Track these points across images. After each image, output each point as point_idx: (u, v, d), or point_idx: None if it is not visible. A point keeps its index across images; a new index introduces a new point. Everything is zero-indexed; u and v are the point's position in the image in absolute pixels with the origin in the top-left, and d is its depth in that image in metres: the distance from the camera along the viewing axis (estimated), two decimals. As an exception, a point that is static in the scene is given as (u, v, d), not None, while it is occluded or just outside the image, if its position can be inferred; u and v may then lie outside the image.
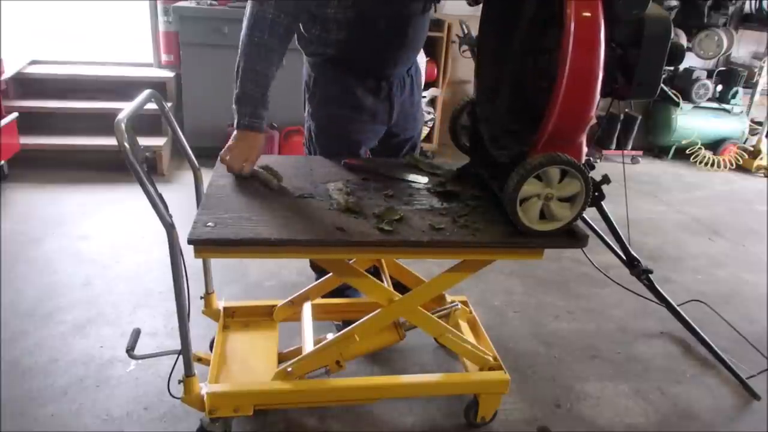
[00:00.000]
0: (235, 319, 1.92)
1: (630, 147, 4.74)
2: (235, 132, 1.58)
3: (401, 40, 1.76)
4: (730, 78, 4.84)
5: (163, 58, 4.02)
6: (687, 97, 4.70)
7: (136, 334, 1.51)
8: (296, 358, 1.64)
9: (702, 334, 2.18)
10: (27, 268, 2.48)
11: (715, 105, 4.84)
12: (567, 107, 1.26)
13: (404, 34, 1.76)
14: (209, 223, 1.31)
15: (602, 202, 1.49)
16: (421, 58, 3.72)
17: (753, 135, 5.02)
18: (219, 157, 1.58)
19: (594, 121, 1.33)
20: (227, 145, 1.58)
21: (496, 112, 1.63)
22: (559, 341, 2.28)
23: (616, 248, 2.19)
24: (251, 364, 1.77)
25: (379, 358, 2.05)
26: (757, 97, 4.95)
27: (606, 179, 1.42)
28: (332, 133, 1.87)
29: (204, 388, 1.55)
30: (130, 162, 1.20)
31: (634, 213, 3.46)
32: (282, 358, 1.81)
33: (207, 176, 1.61)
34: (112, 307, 2.26)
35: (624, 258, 2.14)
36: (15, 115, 3.31)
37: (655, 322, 2.45)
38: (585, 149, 1.39)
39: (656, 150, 5.06)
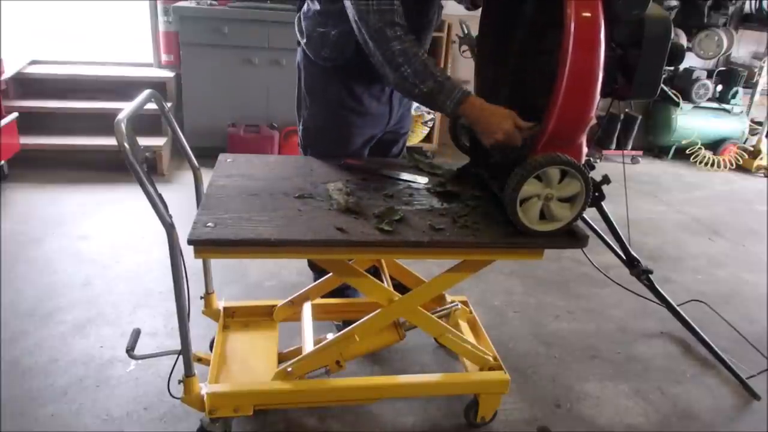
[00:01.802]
0: (235, 319, 1.92)
1: (630, 147, 4.71)
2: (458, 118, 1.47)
3: None
4: (730, 78, 4.84)
5: (163, 58, 4.02)
6: (687, 97, 4.69)
7: (136, 334, 1.51)
8: (296, 358, 1.64)
9: (702, 334, 2.18)
10: (27, 268, 2.48)
11: (715, 105, 4.84)
12: (567, 108, 1.26)
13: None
14: (209, 224, 1.31)
15: (602, 202, 1.49)
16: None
17: (753, 135, 5.02)
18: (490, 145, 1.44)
19: (594, 121, 1.33)
20: (486, 131, 1.43)
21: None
22: (559, 341, 2.28)
23: (616, 248, 2.19)
24: (251, 364, 1.77)
25: (379, 358, 2.05)
26: (757, 97, 4.95)
27: (606, 179, 1.42)
28: (334, 136, 1.86)
29: (204, 388, 1.55)
30: (130, 162, 1.20)
31: (634, 213, 3.46)
32: (282, 358, 1.81)
33: (207, 176, 1.61)
34: (112, 307, 2.26)
35: (624, 258, 2.14)
36: (15, 115, 3.30)
37: (655, 322, 2.45)
38: (585, 149, 1.39)
39: (656, 150, 5.06)
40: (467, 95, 1.45)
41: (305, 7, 1.79)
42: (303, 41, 1.80)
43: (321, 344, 1.66)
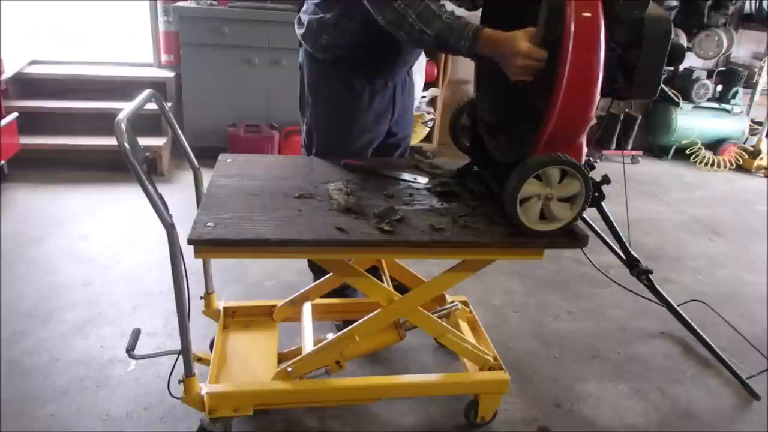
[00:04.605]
0: (235, 319, 1.92)
1: (630, 147, 4.74)
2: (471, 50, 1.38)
3: None
4: (730, 78, 4.85)
5: (163, 58, 4.02)
6: (687, 97, 4.70)
7: (136, 334, 1.51)
8: (296, 358, 1.64)
9: (702, 334, 2.18)
10: (27, 268, 2.48)
11: (715, 105, 4.85)
12: (567, 108, 1.26)
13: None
14: (209, 223, 1.31)
15: (602, 202, 1.49)
16: (421, 58, 3.72)
17: (753, 135, 5.03)
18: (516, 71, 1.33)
19: (594, 121, 1.33)
20: (511, 59, 1.32)
21: (496, 112, 1.63)
22: (559, 341, 2.28)
23: (616, 248, 2.19)
24: (251, 364, 1.77)
25: (379, 358, 2.05)
26: (757, 97, 4.95)
27: (606, 179, 1.42)
28: (337, 135, 1.86)
29: (204, 388, 1.55)
30: (130, 162, 1.20)
31: (634, 213, 3.46)
32: (282, 358, 1.81)
33: (207, 176, 1.60)
34: (112, 307, 2.26)
35: (624, 258, 2.14)
36: (15, 115, 3.30)
37: (655, 322, 2.45)
38: (585, 149, 1.39)
39: (656, 150, 5.06)
40: (480, 29, 1.39)
41: (305, 5, 1.80)
42: (301, 32, 1.79)
43: (321, 344, 1.65)
